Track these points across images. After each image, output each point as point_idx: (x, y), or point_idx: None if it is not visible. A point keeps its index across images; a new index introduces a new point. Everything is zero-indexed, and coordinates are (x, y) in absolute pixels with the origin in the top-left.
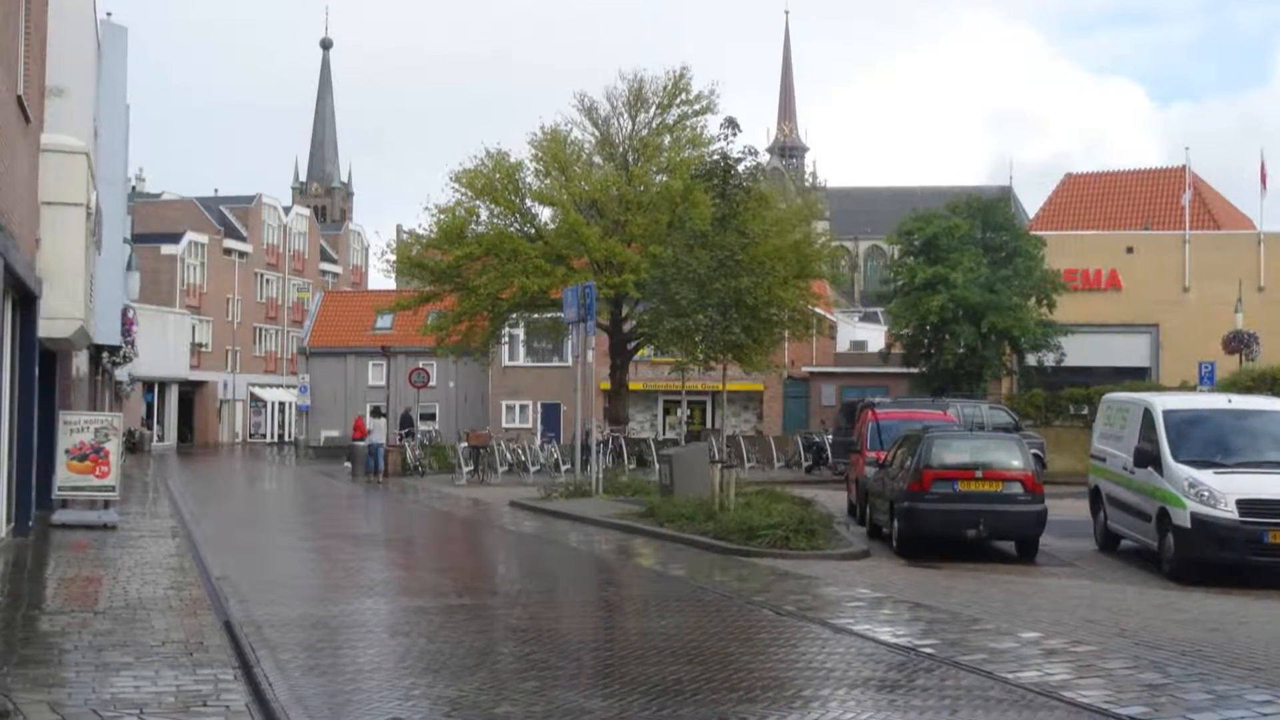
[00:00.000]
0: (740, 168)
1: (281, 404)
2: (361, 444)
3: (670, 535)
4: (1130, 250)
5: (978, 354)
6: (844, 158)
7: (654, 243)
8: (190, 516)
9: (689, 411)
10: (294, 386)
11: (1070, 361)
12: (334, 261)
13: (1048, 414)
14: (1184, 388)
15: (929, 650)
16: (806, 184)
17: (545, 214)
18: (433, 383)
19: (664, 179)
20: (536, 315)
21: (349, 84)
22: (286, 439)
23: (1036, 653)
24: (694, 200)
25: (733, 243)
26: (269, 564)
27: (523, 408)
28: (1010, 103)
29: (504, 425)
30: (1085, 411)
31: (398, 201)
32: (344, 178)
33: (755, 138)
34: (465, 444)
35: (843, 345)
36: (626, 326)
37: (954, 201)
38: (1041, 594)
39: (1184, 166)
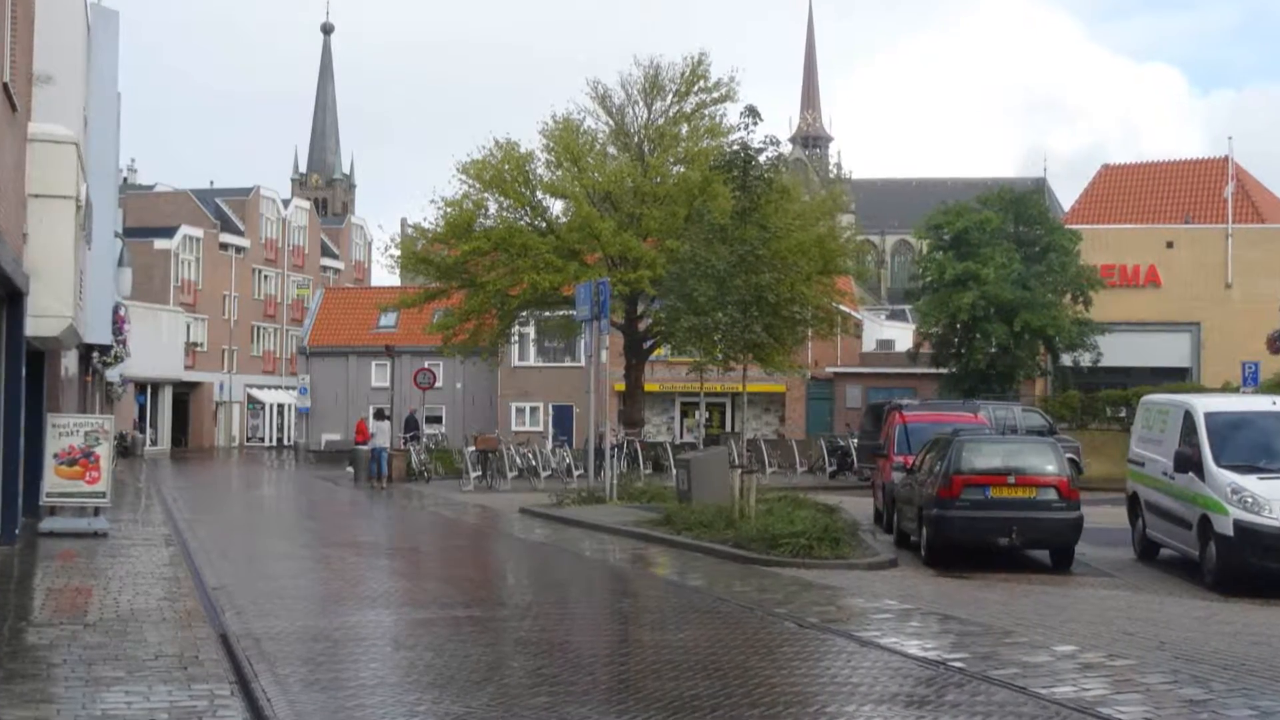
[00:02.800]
0: (761, 158)
1: (280, 406)
2: (364, 448)
3: (688, 544)
4: (1170, 245)
5: (1010, 354)
6: (870, 148)
7: (671, 237)
8: (184, 524)
9: (707, 414)
10: (293, 388)
11: (1107, 361)
12: (335, 257)
13: (1084, 417)
14: (1226, 389)
15: (959, 665)
16: (830, 175)
17: (557, 207)
18: (439, 384)
19: (681, 170)
20: (548, 313)
21: (351, 71)
22: (285, 442)
23: (1072, 667)
24: (713, 193)
25: (753, 237)
26: (267, 574)
27: (533, 410)
28: (1044, 90)
29: (513, 428)
30: (1123, 414)
31: (402, 194)
32: (346, 169)
33: (777, 127)
34: (473, 448)
35: (869, 344)
36: (642, 325)
37: (985, 194)
38: (1077, 605)
39: (1226, 157)
